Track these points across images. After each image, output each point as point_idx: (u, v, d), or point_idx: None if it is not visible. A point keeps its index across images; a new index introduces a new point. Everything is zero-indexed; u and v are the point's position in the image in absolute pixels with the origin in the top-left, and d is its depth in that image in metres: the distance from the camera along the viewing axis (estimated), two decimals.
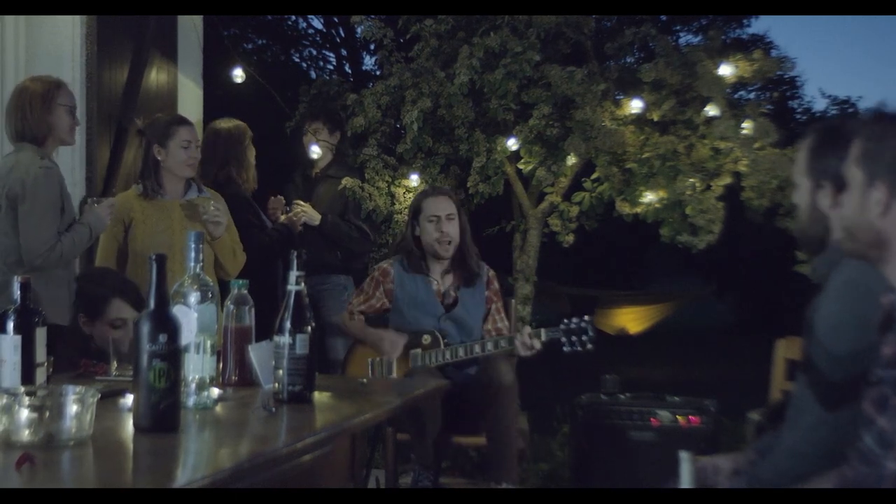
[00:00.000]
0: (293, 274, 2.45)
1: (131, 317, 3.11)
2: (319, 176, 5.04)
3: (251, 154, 4.71)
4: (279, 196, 4.82)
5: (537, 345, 3.78)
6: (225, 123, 4.70)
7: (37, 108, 3.62)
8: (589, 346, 3.80)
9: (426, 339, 3.91)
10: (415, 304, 3.96)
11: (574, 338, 3.79)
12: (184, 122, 4.13)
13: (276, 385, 2.42)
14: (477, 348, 3.83)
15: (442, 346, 3.88)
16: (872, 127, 1.82)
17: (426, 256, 4.00)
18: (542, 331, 3.85)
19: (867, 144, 1.80)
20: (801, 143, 2.26)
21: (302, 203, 4.77)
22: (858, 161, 1.81)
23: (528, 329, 3.85)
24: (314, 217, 4.77)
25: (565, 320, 3.83)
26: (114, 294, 3.18)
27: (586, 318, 3.82)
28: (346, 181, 4.87)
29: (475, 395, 3.74)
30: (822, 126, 2.13)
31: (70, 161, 4.38)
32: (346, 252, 4.91)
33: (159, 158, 4.01)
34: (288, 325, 2.41)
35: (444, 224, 3.94)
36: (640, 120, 4.80)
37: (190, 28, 5.27)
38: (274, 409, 2.32)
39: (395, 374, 3.89)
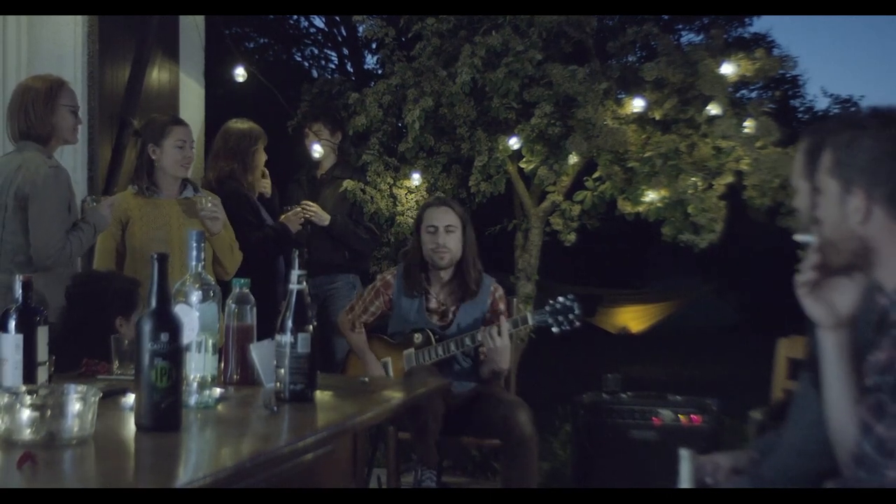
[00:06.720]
0: (295, 273, 2.45)
1: None
2: (325, 178, 5.04)
3: (259, 158, 4.69)
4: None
5: (505, 340, 3.74)
6: (240, 124, 4.69)
7: (40, 107, 3.62)
8: (577, 323, 3.75)
9: (417, 337, 3.89)
10: (409, 321, 3.95)
11: (561, 317, 3.75)
12: (179, 122, 4.15)
13: (278, 384, 2.42)
14: (468, 341, 3.80)
15: (433, 342, 3.87)
16: (840, 135, 1.80)
17: (427, 267, 3.94)
18: (529, 315, 3.83)
19: (837, 153, 1.78)
20: (798, 146, 2.25)
21: (310, 203, 4.77)
22: (831, 171, 1.79)
23: (503, 320, 3.80)
24: (323, 217, 4.77)
25: (550, 301, 3.78)
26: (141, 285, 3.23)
27: (570, 296, 3.78)
28: (348, 184, 4.87)
29: (481, 408, 3.76)
30: (817, 128, 2.13)
31: (72, 160, 4.38)
32: (353, 252, 4.92)
33: (154, 158, 4.03)
34: (290, 323, 2.41)
35: (441, 236, 3.87)
36: (641, 119, 4.80)
37: (192, 27, 5.27)
38: (276, 408, 2.31)
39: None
